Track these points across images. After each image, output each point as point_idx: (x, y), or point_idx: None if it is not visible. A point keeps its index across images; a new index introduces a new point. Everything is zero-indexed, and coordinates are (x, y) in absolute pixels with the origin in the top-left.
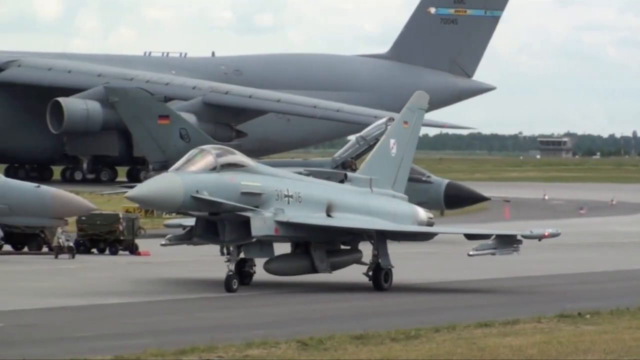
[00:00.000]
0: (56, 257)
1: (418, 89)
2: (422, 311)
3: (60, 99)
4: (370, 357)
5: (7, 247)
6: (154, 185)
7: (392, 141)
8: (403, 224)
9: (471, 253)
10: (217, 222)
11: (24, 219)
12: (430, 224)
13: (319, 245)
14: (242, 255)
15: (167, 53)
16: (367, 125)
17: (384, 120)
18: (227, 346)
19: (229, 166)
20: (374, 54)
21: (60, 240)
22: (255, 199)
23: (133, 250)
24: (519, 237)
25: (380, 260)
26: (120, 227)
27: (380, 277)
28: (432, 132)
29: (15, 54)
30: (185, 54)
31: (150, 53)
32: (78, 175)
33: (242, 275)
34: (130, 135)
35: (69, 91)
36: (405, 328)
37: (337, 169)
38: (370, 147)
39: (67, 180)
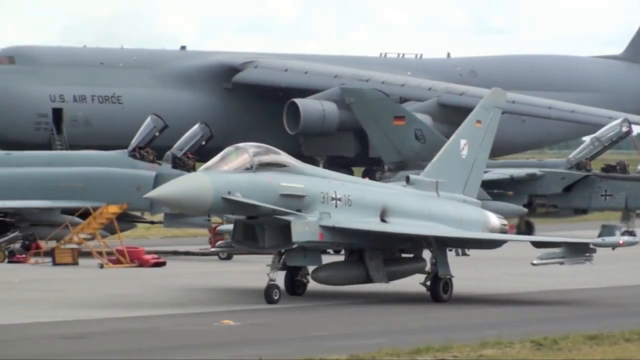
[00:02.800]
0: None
1: None
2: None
3: (297, 100)
4: (604, 358)
5: None
6: (180, 186)
7: (462, 142)
8: (470, 230)
9: (535, 262)
10: (255, 226)
11: None
12: (503, 231)
13: (375, 253)
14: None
15: (403, 54)
16: (602, 126)
17: (619, 121)
18: (461, 346)
19: (267, 165)
20: (608, 55)
21: None
22: (297, 201)
23: None
24: (591, 246)
25: (438, 270)
26: None
27: (438, 288)
28: None
29: (252, 55)
30: (421, 55)
31: (385, 54)
32: None
33: (295, 285)
34: (366, 135)
35: (306, 92)
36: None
37: (571, 169)
38: (605, 148)
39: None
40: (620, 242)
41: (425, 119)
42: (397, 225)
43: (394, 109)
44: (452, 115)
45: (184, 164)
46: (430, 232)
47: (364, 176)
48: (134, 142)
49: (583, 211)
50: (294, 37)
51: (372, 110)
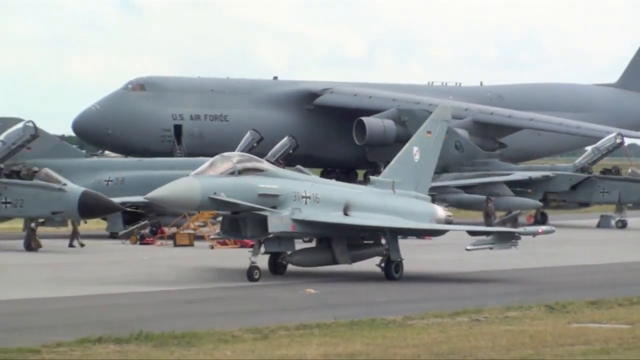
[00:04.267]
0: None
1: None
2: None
3: (363, 118)
4: (601, 318)
5: None
6: (174, 188)
7: (415, 148)
8: (421, 221)
9: (469, 247)
10: (238, 220)
11: None
12: (448, 222)
13: (340, 240)
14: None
15: (446, 83)
16: (600, 139)
17: (613, 134)
18: (490, 309)
19: (248, 170)
20: (605, 83)
21: None
22: (272, 199)
23: (419, 235)
24: (517, 233)
25: (390, 254)
26: None
27: (391, 269)
28: None
29: (329, 84)
30: (460, 83)
31: (432, 83)
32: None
33: (276, 266)
34: None
35: (370, 112)
36: (629, 296)
37: (577, 172)
38: (603, 156)
39: (367, 180)
40: (539, 230)
41: (463, 133)
42: (356, 218)
43: None
44: (484, 129)
45: None
46: (382, 224)
47: None
48: (237, 150)
49: (586, 204)
50: (362, 69)
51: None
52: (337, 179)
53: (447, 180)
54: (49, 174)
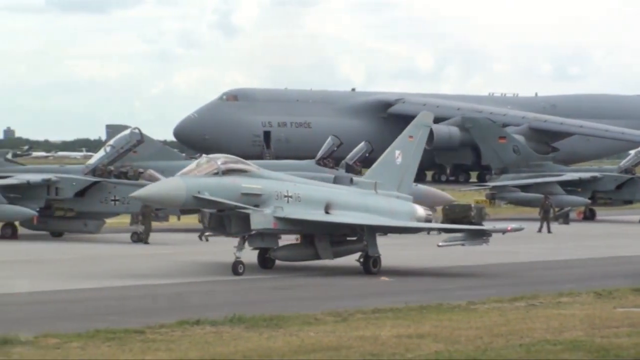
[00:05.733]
0: (428, 233)
1: None
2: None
3: (432, 125)
4: None
5: None
6: (159, 187)
7: (397, 152)
8: (401, 220)
9: (440, 244)
10: (223, 217)
11: None
12: (428, 220)
13: (322, 236)
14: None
15: (504, 94)
16: None
17: None
18: (545, 295)
19: (232, 171)
20: None
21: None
22: (255, 198)
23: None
24: (487, 231)
25: (368, 250)
26: (472, 213)
27: (369, 264)
28: None
29: (401, 94)
30: (517, 94)
31: (492, 94)
32: (443, 178)
33: (265, 260)
34: (479, 150)
35: (437, 120)
36: None
37: (621, 173)
38: None
39: (435, 180)
40: (508, 228)
41: (520, 138)
42: (335, 216)
43: (498, 131)
44: (538, 135)
45: (353, 170)
46: (359, 221)
47: (478, 179)
48: (319, 154)
49: (629, 202)
50: (430, 81)
51: (484, 132)
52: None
53: (506, 181)
54: (152, 174)
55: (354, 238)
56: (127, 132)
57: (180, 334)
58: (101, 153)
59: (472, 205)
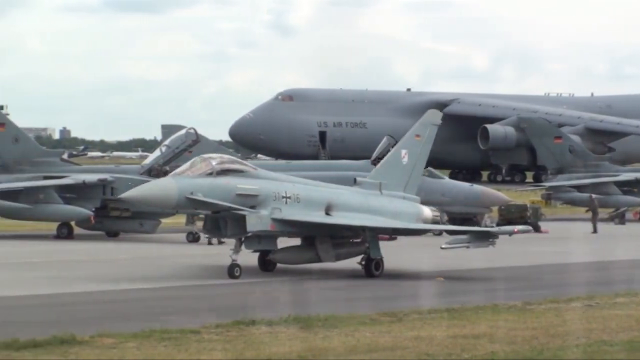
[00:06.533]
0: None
1: None
2: None
3: (487, 125)
4: None
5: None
6: (149, 188)
7: (403, 151)
8: (406, 221)
9: (444, 246)
10: (219, 219)
11: (462, 208)
12: (435, 222)
13: (324, 238)
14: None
15: (560, 94)
16: None
17: None
18: (601, 295)
19: (227, 171)
20: None
21: (486, 223)
22: (251, 199)
23: (537, 229)
24: (493, 232)
25: (370, 252)
26: (528, 213)
27: (371, 266)
28: None
29: (456, 95)
30: (573, 94)
31: (548, 94)
32: (499, 178)
33: (265, 263)
34: (535, 150)
35: (493, 120)
36: None
37: None
38: None
39: (491, 181)
40: (515, 230)
41: (576, 138)
42: (335, 218)
43: (554, 131)
44: (594, 135)
45: None
46: (360, 223)
47: (533, 179)
48: (374, 154)
49: None
50: (486, 82)
51: (539, 132)
52: (464, 179)
53: (562, 181)
54: None
55: (358, 240)
56: (182, 132)
57: (236, 334)
58: (157, 153)
59: (528, 206)
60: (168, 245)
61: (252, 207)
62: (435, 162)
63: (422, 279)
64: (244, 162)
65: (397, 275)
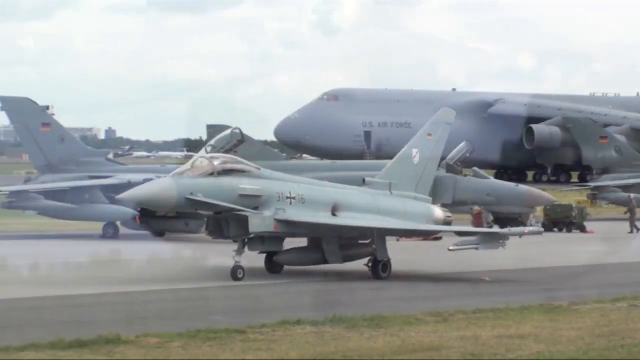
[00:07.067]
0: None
1: None
2: None
3: (533, 125)
4: None
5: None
6: (148, 188)
7: (414, 151)
8: (416, 222)
9: (451, 248)
10: (221, 220)
11: (507, 208)
12: (447, 223)
13: (331, 240)
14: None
15: (606, 94)
16: None
17: None
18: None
19: (229, 171)
20: None
21: (532, 223)
22: (254, 200)
23: (583, 229)
24: (503, 234)
25: (377, 254)
26: (573, 214)
27: (378, 268)
28: None
29: (501, 95)
30: (619, 94)
31: (594, 94)
32: (544, 178)
33: (272, 265)
34: (580, 150)
35: (538, 120)
36: None
37: None
38: None
39: (536, 181)
40: (525, 231)
41: (622, 138)
42: (341, 219)
43: (600, 131)
44: None
45: (454, 170)
46: (366, 224)
47: (579, 179)
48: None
49: None
50: (531, 81)
51: (585, 132)
52: (509, 179)
53: (607, 181)
54: None
55: (367, 241)
56: (227, 132)
57: (282, 334)
58: (202, 153)
59: (574, 206)
60: (212, 246)
61: (255, 208)
62: (480, 162)
63: (466, 279)
64: (248, 162)
65: (436, 275)
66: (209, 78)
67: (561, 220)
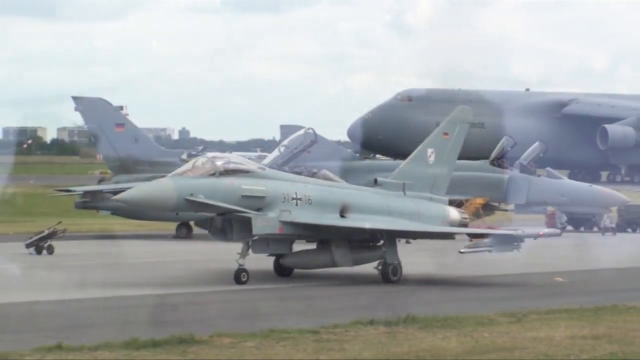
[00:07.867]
0: (602, 234)
1: None
2: None
3: (606, 126)
4: None
5: (570, 228)
6: (146, 189)
7: (429, 150)
8: (430, 223)
9: (463, 250)
10: (224, 222)
11: (581, 208)
12: (463, 224)
13: (340, 242)
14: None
15: None
16: None
17: None
18: None
19: (231, 172)
20: None
21: (606, 223)
22: (257, 201)
23: None
24: (517, 236)
25: (387, 257)
26: None
27: (388, 271)
28: None
29: (575, 95)
30: None
31: None
32: (618, 178)
33: (282, 268)
34: None
35: (612, 120)
36: None
37: None
38: None
39: (610, 181)
40: (540, 232)
41: None
42: (350, 220)
43: None
44: None
45: (527, 170)
46: (375, 226)
47: None
48: (493, 154)
49: None
50: (605, 82)
51: None
52: (582, 180)
53: None
54: (326, 174)
55: (378, 244)
56: (301, 132)
57: (354, 334)
58: (275, 153)
59: None
60: None
61: (259, 209)
62: (554, 162)
63: (538, 279)
64: (252, 162)
65: (505, 276)
66: (282, 78)
67: (635, 221)
